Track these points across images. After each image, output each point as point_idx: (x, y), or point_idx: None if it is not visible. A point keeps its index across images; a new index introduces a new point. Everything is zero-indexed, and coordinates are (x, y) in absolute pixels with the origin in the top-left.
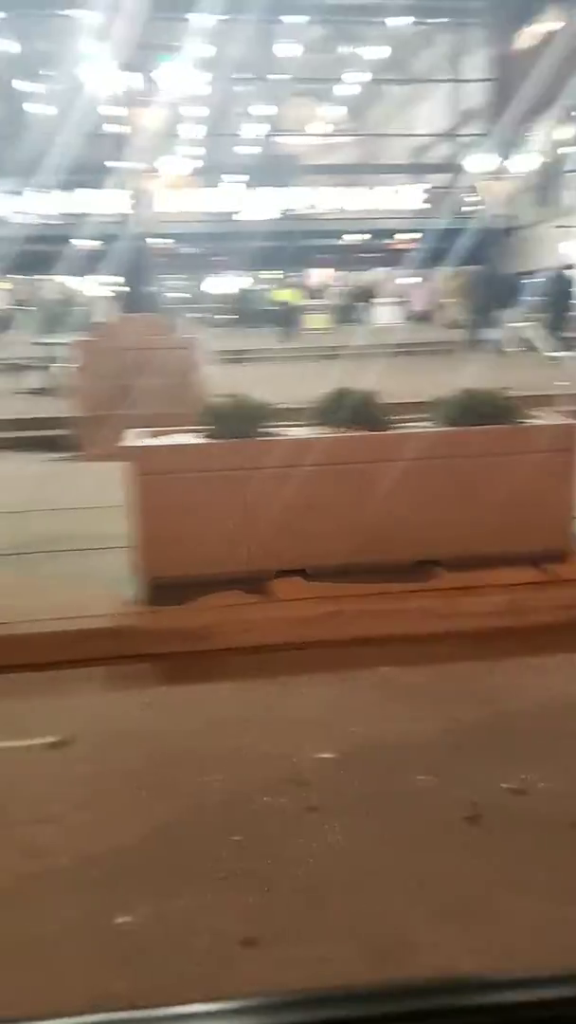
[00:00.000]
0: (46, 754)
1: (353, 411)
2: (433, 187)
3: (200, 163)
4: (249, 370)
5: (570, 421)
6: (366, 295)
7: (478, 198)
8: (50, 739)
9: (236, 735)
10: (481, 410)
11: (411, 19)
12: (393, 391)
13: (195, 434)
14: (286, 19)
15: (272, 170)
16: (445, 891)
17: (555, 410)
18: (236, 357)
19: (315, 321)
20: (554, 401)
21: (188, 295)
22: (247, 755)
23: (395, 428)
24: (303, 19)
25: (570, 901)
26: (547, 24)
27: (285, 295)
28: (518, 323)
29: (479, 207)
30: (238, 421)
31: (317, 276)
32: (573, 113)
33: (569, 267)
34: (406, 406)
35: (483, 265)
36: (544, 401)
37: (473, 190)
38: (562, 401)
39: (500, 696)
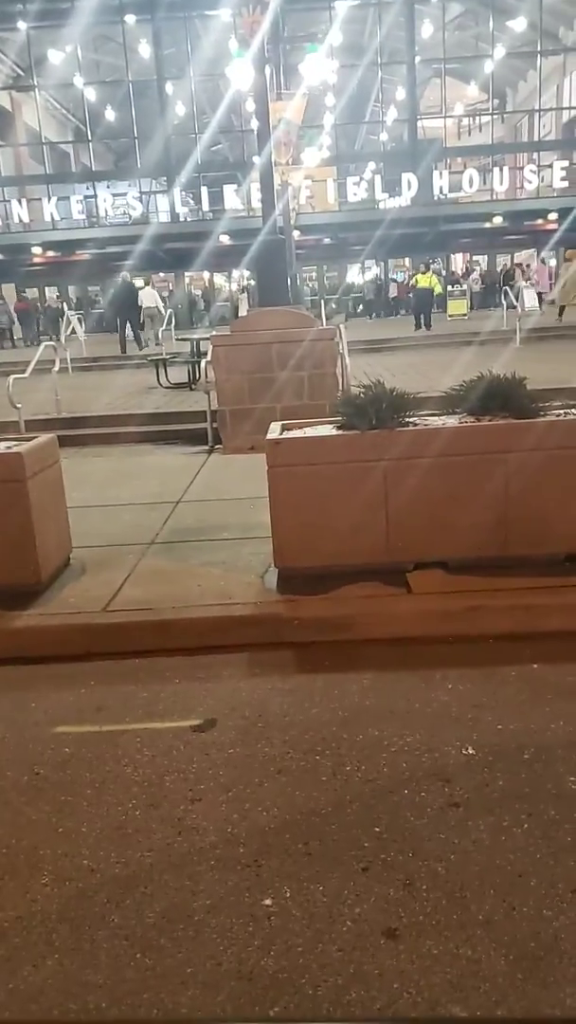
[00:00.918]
0: (192, 736)
1: (497, 398)
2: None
3: (340, 151)
4: (390, 359)
5: None
6: (506, 279)
7: None
8: (195, 721)
9: (377, 726)
10: None
11: None
12: (538, 377)
13: (334, 426)
14: None
15: (413, 155)
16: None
17: None
18: (377, 346)
19: (457, 307)
20: None
21: (329, 285)
22: (388, 747)
23: (543, 415)
24: None
25: None
26: None
27: (425, 281)
28: None
29: None
30: (376, 412)
31: (459, 261)
32: None
33: None
34: (555, 392)
35: None
36: None
37: None
38: None
39: None
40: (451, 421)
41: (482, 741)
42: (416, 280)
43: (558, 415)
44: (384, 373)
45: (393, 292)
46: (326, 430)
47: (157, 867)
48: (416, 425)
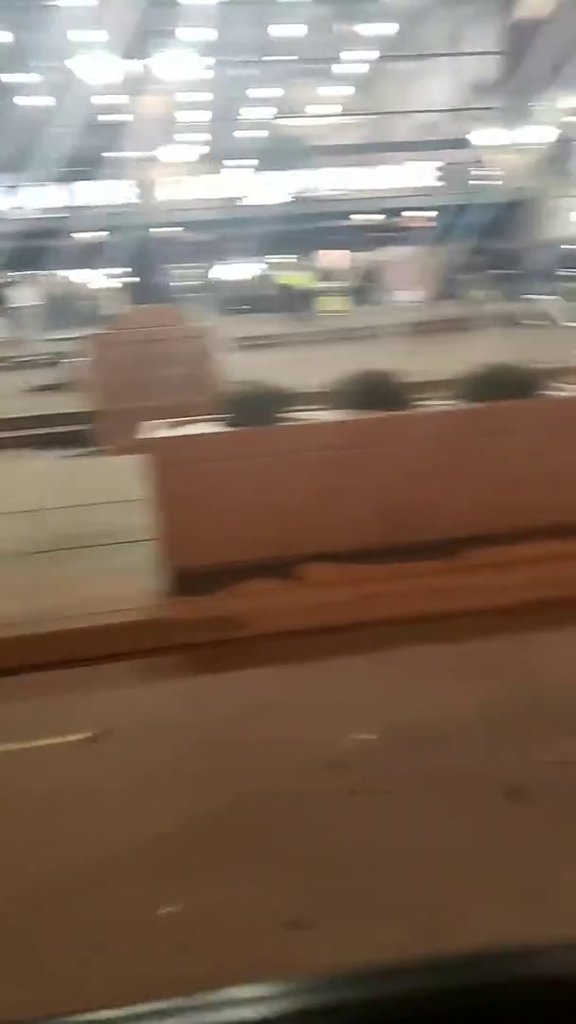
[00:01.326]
0: (87, 748)
1: (373, 392)
2: (446, 163)
3: (204, 149)
4: (265, 356)
5: None
6: (376, 275)
7: (491, 172)
8: (89, 733)
9: (273, 721)
10: (504, 385)
11: None
12: (412, 371)
13: (213, 423)
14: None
15: (279, 153)
16: (492, 869)
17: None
18: (252, 343)
19: (331, 303)
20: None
21: (199, 283)
22: (285, 740)
23: (417, 407)
24: None
25: None
26: None
27: (297, 279)
28: (535, 296)
29: (492, 181)
30: (256, 408)
31: (331, 258)
32: None
33: None
34: (428, 385)
35: (496, 238)
36: (568, 373)
37: (485, 164)
38: None
39: (536, 669)
40: (330, 415)
41: (376, 727)
42: (289, 277)
43: (432, 406)
44: (265, 369)
45: (269, 289)
46: (209, 426)
47: (58, 883)
48: (296, 420)
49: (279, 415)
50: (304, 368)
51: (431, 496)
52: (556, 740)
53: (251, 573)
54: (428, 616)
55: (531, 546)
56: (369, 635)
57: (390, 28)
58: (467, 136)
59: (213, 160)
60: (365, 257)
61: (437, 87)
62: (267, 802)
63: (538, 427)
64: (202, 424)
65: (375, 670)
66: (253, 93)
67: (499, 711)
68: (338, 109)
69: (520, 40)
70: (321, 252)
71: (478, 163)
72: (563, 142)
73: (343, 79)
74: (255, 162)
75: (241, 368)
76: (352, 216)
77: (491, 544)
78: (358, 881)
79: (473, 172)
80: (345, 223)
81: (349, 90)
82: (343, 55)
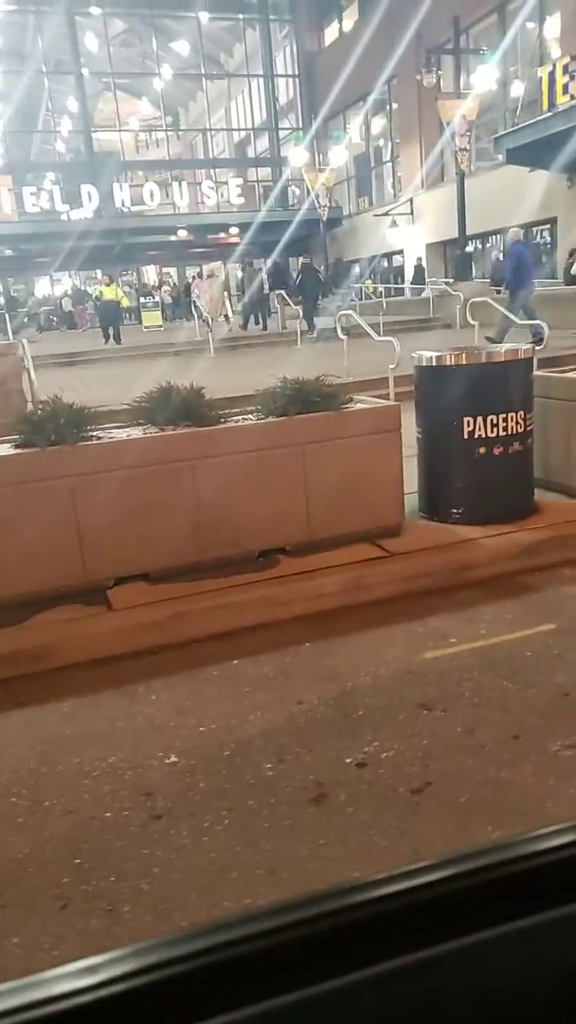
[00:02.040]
0: None
1: (179, 408)
2: (254, 180)
3: (14, 159)
4: (84, 372)
5: (392, 403)
6: (187, 291)
7: (299, 191)
8: None
9: (78, 753)
10: (305, 399)
11: (216, 14)
12: (224, 385)
13: (12, 444)
14: (93, 11)
15: (92, 167)
16: (293, 874)
17: (376, 394)
18: (72, 360)
19: (151, 318)
20: (378, 384)
21: (17, 298)
22: (90, 772)
23: (223, 422)
24: (110, 11)
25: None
26: (348, 22)
27: (111, 293)
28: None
29: (301, 200)
30: (55, 427)
31: (152, 273)
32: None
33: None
34: (237, 400)
35: (304, 255)
36: (367, 385)
37: (293, 183)
38: (386, 384)
39: (342, 673)
40: (136, 432)
41: (184, 747)
42: (101, 292)
43: (236, 421)
44: (78, 386)
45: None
46: (4, 449)
47: None
48: (100, 439)
49: (81, 434)
50: (115, 384)
51: (240, 510)
52: (357, 741)
53: (59, 601)
54: (240, 630)
55: (336, 554)
56: (184, 654)
57: (193, 46)
58: (276, 155)
59: (19, 171)
60: (186, 272)
61: (247, 107)
62: (67, 841)
63: (341, 438)
64: (1, 446)
65: (185, 690)
66: (60, 105)
67: (306, 718)
68: (148, 124)
69: (321, 65)
70: (141, 267)
71: (290, 181)
72: (364, 163)
73: (154, 95)
74: (65, 175)
75: (51, 385)
76: (171, 233)
77: (305, 553)
78: (158, 908)
79: (283, 190)
80: (166, 239)
81: (159, 106)
82: (151, 71)
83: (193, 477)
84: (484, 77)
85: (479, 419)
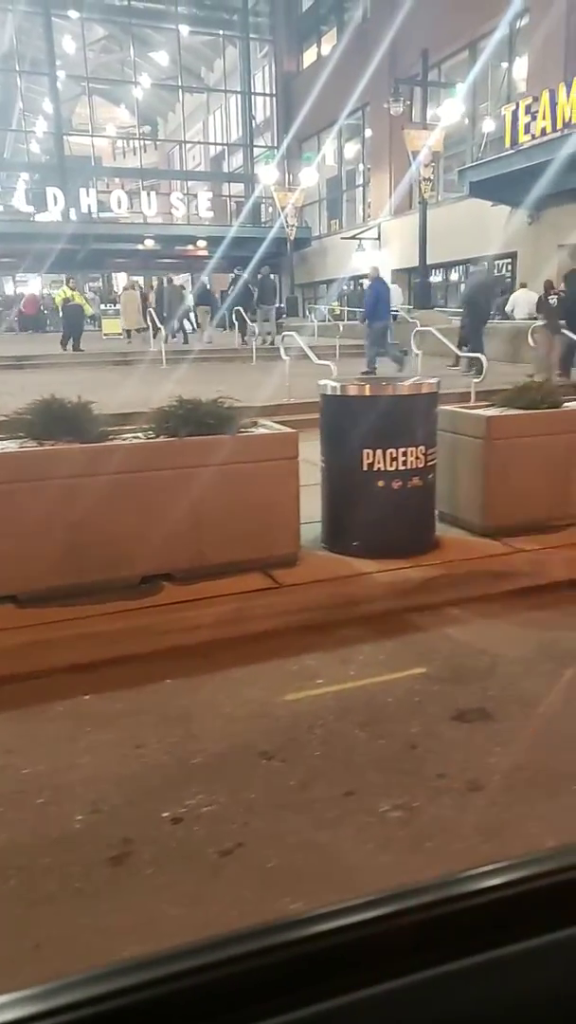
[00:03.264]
0: None
1: (59, 422)
2: (225, 196)
3: None
4: (21, 377)
5: (289, 430)
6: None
7: (273, 209)
8: None
9: None
10: (198, 420)
11: (196, 28)
12: (155, 398)
13: None
14: (72, 14)
15: (61, 170)
16: (58, 950)
17: (278, 419)
18: (13, 363)
19: (110, 326)
20: (281, 409)
21: None
22: None
23: (110, 439)
24: (89, 16)
25: None
26: (327, 46)
27: (72, 299)
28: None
29: (274, 218)
30: None
31: (121, 281)
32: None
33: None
34: (128, 416)
35: (237, 270)
36: (305, 408)
37: (266, 200)
38: (290, 409)
39: (194, 715)
40: (12, 445)
41: (5, 793)
42: (72, 297)
43: (124, 439)
44: (16, 391)
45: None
46: None
47: None
48: None
49: None
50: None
51: (122, 532)
52: (182, 792)
53: None
54: (105, 661)
55: (225, 583)
56: (30, 687)
57: (178, 58)
58: (252, 172)
59: None
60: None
61: (224, 122)
62: None
63: (235, 463)
64: None
65: (22, 727)
66: (34, 105)
67: (139, 764)
68: (125, 132)
69: (297, 86)
70: (109, 274)
71: (263, 199)
72: (335, 186)
73: (130, 102)
74: (38, 176)
75: None
76: (140, 241)
77: (192, 581)
78: None
79: (256, 207)
80: (134, 248)
81: (135, 114)
82: (130, 79)
83: (71, 495)
84: (450, 110)
85: (378, 452)
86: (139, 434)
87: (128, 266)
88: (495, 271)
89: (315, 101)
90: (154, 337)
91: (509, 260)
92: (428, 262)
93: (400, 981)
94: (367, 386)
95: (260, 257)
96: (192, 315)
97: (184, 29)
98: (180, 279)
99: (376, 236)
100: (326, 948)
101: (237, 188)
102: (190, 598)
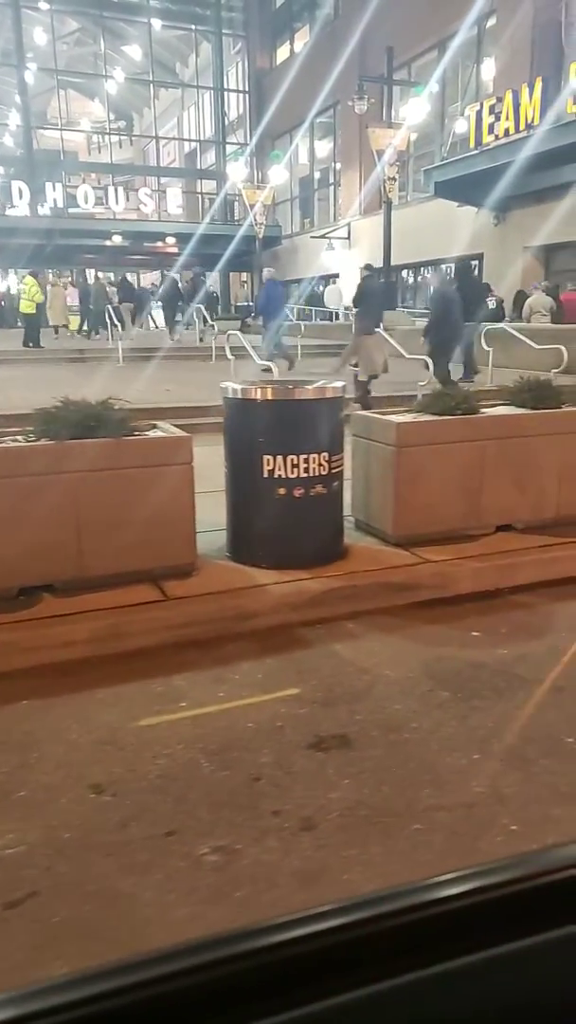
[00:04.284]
0: None
1: None
2: (195, 192)
3: None
4: None
5: (183, 434)
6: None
7: (240, 206)
8: None
9: None
10: (81, 423)
11: (169, 22)
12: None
13: None
14: (43, 6)
15: (33, 164)
16: None
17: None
18: None
19: (72, 323)
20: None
21: None
22: None
23: None
24: (60, 8)
25: None
26: (299, 43)
27: (32, 295)
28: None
29: (245, 215)
30: None
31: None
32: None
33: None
34: (28, 417)
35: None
36: (203, 411)
37: (235, 198)
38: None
39: (37, 741)
40: None
41: None
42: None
43: (1, 442)
44: None
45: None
46: None
47: None
48: None
49: None
50: None
51: (1, 540)
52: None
53: None
54: None
55: (110, 595)
56: None
57: (151, 53)
58: (224, 169)
59: None
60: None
61: (198, 118)
62: None
63: (125, 468)
64: None
65: None
66: (5, 98)
67: None
68: (99, 127)
69: (270, 84)
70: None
71: (234, 196)
72: (307, 185)
73: (103, 96)
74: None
75: None
76: (109, 237)
77: (69, 593)
78: None
79: (227, 204)
80: (102, 243)
81: (107, 108)
82: (105, 73)
83: None
84: (415, 109)
85: (279, 458)
86: (19, 437)
87: (96, 262)
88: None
89: (287, 99)
90: (79, 333)
91: (475, 261)
92: (397, 262)
93: (396, 981)
94: (268, 389)
95: (230, 255)
96: (114, 311)
97: (157, 23)
98: (151, 276)
99: (346, 235)
100: (321, 948)
101: (210, 185)
102: (68, 612)
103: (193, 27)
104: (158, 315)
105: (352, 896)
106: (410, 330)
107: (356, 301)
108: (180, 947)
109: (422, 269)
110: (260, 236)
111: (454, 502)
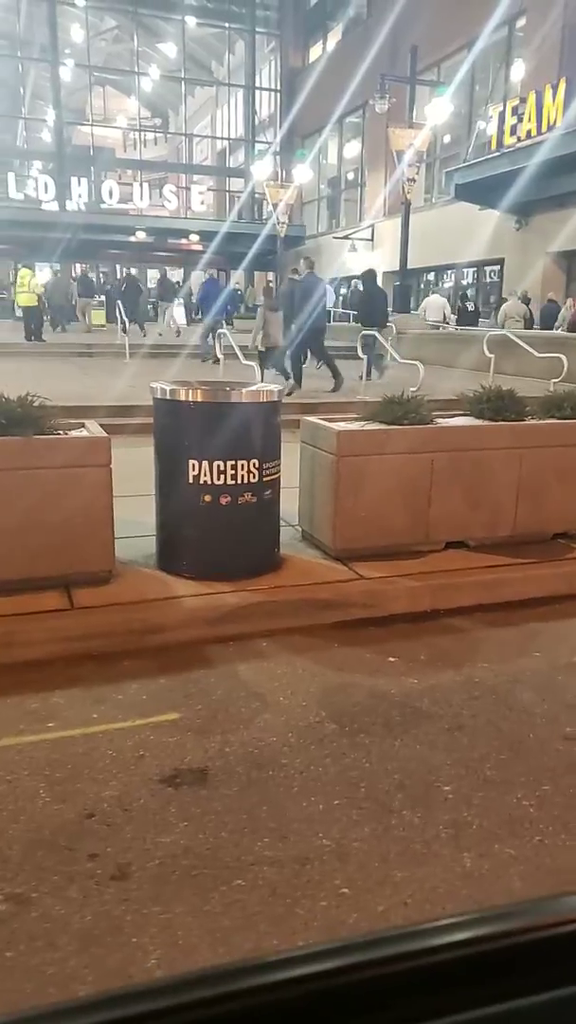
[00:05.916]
0: None
1: None
2: (224, 190)
3: None
4: None
5: (102, 434)
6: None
7: (267, 205)
8: None
9: None
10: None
11: (203, 20)
12: (89, 393)
13: None
14: (79, 2)
15: (64, 159)
16: None
17: (99, 421)
18: None
19: (95, 317)
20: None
21: None
22: None
23: None
24: (97, 5)
25: None
26: (332, 42)
27: (32, 287)
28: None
29: (269, 214)
30: None
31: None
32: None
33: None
34: None
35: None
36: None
37: (262, 197)
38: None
39: None
40: None
41: None
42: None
43: None
44: None
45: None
46: None
47: None
48: None
49: None
50: None
51: None
52: None
53: None
54: None
55: (12, 601)
56: None
57: (186, 51)
58: (249, 168)
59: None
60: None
61: (231, 116)
62: None
63: (36, 468)
64: None
65: None
66: (42, 93)
67: None
68: (132, 124)
69: (298, 82)
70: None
71: (261, 195)
72: (334, 185)
73: (137, 93)
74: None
75: None
76: (135, 233)
77: None
78: None
79: (254, 203)
80: (126, 239)
81: (142, 105)
82: (141, 70)
83: None
84: (437, 109)
85: (204, 463)
86: None
87: (121, 257)
88: (485, 277)
89: (318, 98)
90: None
91: (497, 266)
92: (418, 265)
93: None
94: (198, 391)
95: (254, 253)
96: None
97: (191, 21)
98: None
99: (370, 237)
100: (322, 989)
101: (239, 184)
102: None
103: (227, 25)
104: (179, 313)
105: (350, 936)
106: (420, 334)
107: (353, 303)
108: (170, 981)
109: (445, 273)
110: (282, 235)
111: (399, 516)
